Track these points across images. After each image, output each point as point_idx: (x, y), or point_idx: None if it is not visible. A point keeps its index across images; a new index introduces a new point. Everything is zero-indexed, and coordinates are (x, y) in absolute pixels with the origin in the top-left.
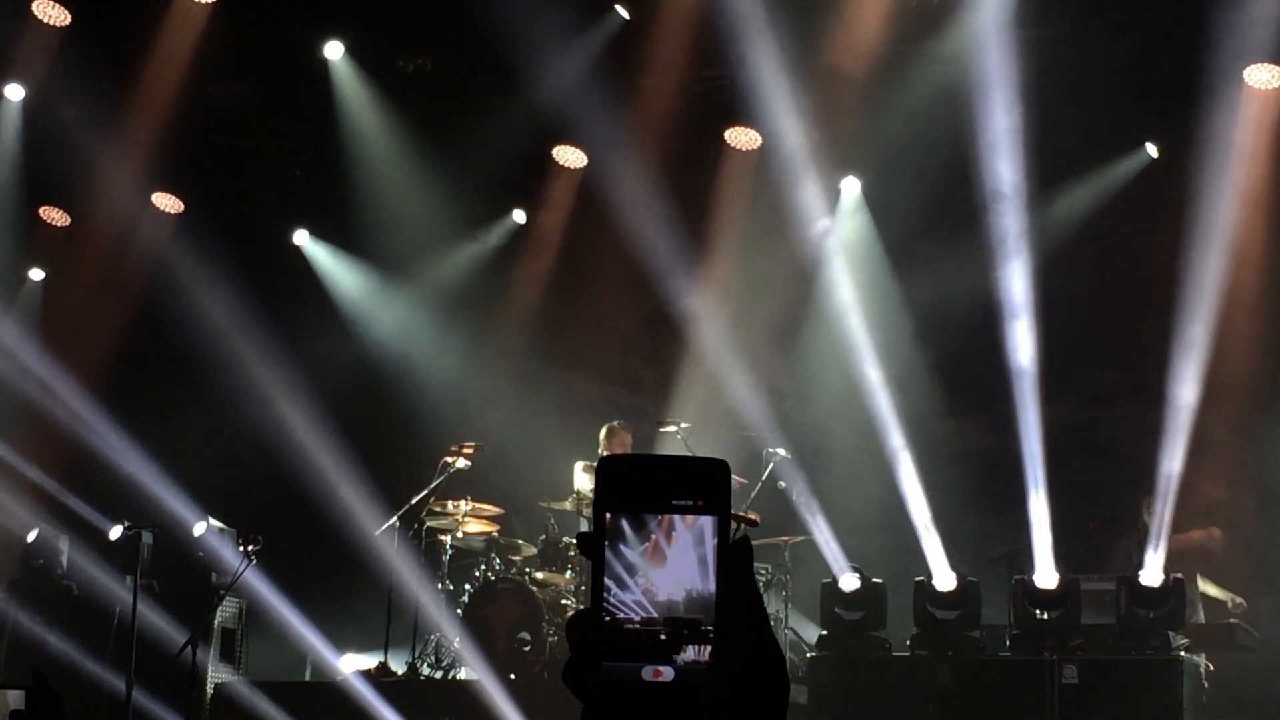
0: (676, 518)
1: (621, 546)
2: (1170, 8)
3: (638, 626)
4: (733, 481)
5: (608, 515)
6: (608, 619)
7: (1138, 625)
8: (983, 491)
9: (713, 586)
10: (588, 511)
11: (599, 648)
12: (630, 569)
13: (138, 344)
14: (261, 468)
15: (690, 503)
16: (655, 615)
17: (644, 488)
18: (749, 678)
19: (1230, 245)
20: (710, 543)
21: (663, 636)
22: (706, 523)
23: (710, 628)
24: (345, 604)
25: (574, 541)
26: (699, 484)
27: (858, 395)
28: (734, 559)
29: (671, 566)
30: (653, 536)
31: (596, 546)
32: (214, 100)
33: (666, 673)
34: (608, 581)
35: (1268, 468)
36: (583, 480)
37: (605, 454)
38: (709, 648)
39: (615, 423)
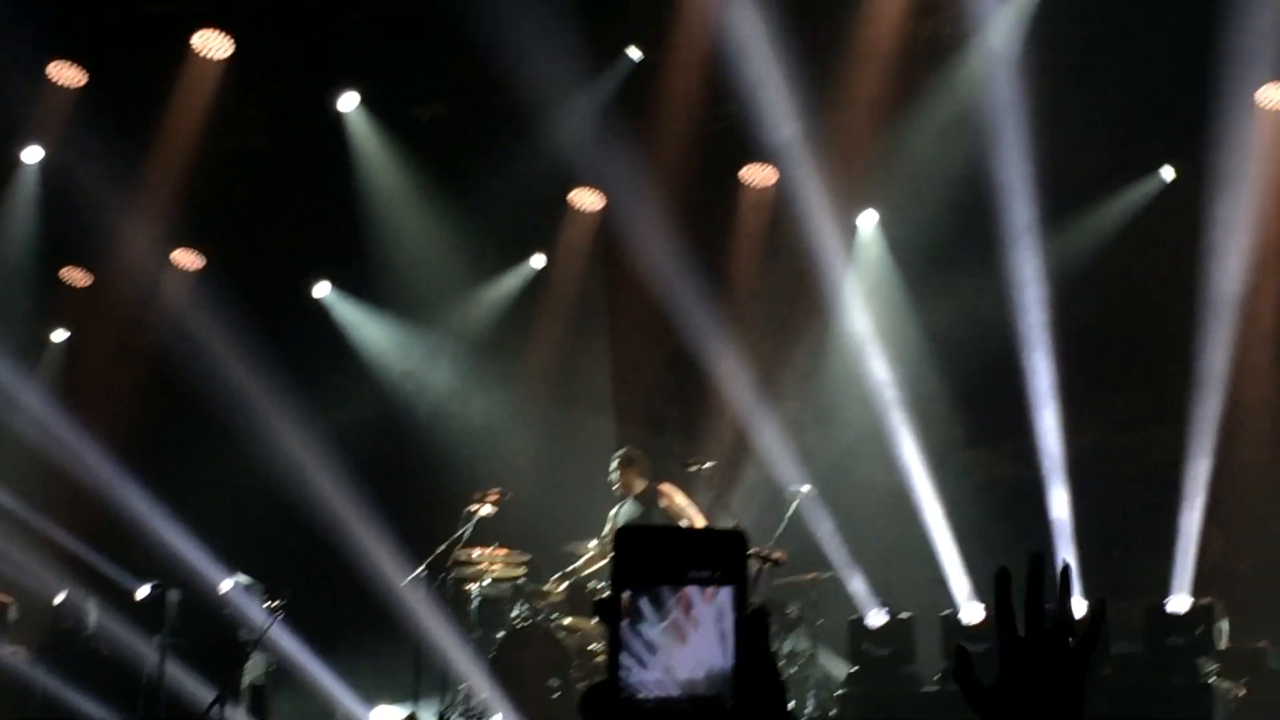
0: (695, 594)
1: (641, 625)
2: (1180, 31)
3: (658, 705)
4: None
5: (626, 589)
6: (626, 696)
7: (1166, 652)
8: (1009, 521)
9: (733, 662)
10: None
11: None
12: (650, 647)
13: (161, 401)
14: (287, 522)
15: (708, 574)
16: (677, 695)
17: (661, 559)
18: None
19: (1248, 265)
20: (730, 618)
21: (684, 714)
22: (725, 598)
23: (731, 704)
24: (374, 656)
25: (601, 586)
26: (715, 555)
27: (880, 427)
28: (751, 630)
29: (692, 645)
30: (671, 614)
31: (613, 613)
32: (231, 155)
33: None
34: (628, 661)
35: None
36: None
37: (618, 487)
38: None
39: (624, 450)
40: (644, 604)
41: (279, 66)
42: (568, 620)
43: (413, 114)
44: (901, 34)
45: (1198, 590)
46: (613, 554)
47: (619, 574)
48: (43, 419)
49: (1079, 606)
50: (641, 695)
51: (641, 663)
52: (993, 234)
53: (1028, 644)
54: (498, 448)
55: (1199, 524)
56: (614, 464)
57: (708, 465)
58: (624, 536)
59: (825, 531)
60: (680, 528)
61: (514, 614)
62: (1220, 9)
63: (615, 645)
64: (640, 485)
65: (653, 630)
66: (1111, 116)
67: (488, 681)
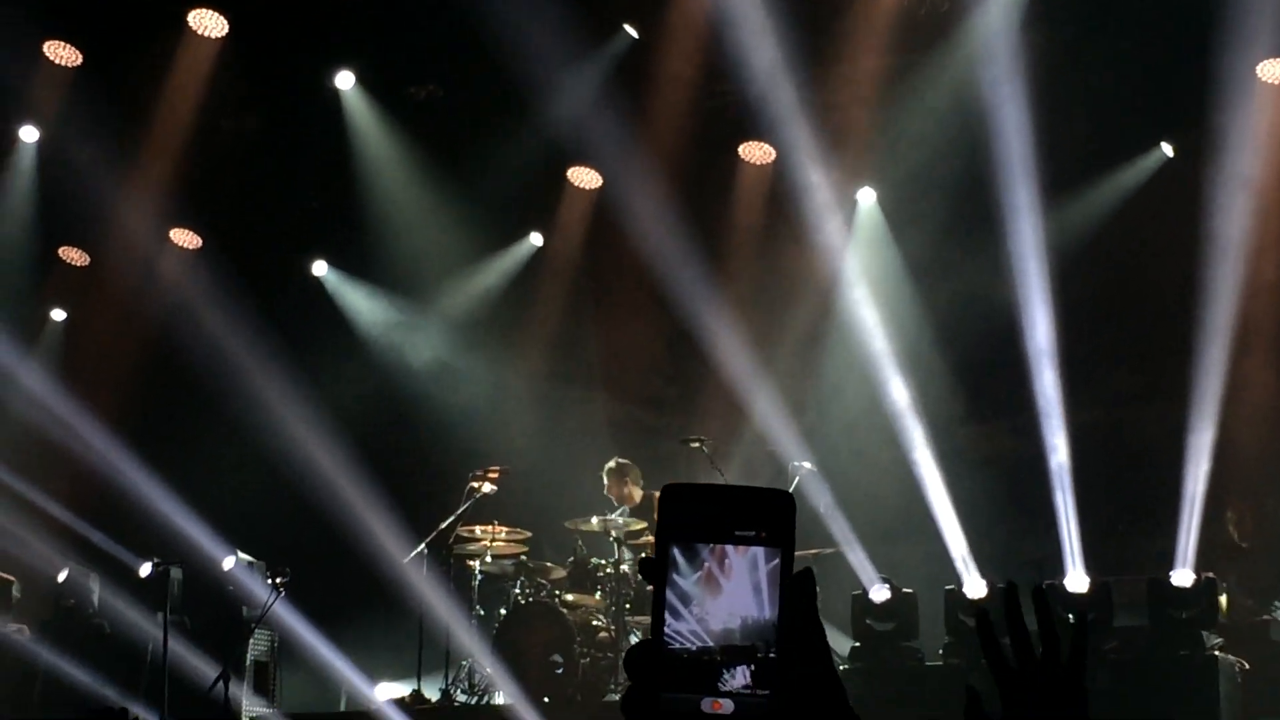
0: (729, 546)
1: (674, 576)
2: (1179, 6)
3: (693, 655)
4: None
5: (671, 546)
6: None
7: (1170, 625)
8: (1010, 496)
9: (767, 613)
10: (615, 533)
11: (658, 678)
12: (684, 598)
13: (161, 380)
14: (288, 499)
15: (753, 534)
16: (711, 644)
17: (707, 517)
18: (809, 710)
19: (1248, 240)
20: (764, 569)
21: (719, 664)
22: (760, 549)
23: (770, 654)
24: (377, 633)
25: (603, 562)
26: (762, 515)
27: (881, 404)
28: (797, 592)
29: (726, 595)
30: (705, 565)
31: (659, 574)
32: (227, 134)
33: (726, 705)
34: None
35: None
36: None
37: (612, 497)
38: (763, 672)
39: (612, 462)
40: (678, 554)
41: (274, 45)
42: (570, 597)
43: (408, 93)
44: (900, 10)
45: (1237, 566)
46: (657, 512)
47: (663, 530)
48: (42, 398)
49: (1080, 584)
50: (675, 646)
51: (675, 614)
52: (992, 210)
53: (1022, 676)
54: (496, 425)
55: (1214, 500)
56: (605, 475)
57: (707, 441)
58: (670, 493)
59: (827, 507)
60: (727, 485)
61: (516, 591)
62: None
63: (660, 604)
64: (637, 495)
65: (686, 582)
66: (1111, 92)
67: (490, 658)
